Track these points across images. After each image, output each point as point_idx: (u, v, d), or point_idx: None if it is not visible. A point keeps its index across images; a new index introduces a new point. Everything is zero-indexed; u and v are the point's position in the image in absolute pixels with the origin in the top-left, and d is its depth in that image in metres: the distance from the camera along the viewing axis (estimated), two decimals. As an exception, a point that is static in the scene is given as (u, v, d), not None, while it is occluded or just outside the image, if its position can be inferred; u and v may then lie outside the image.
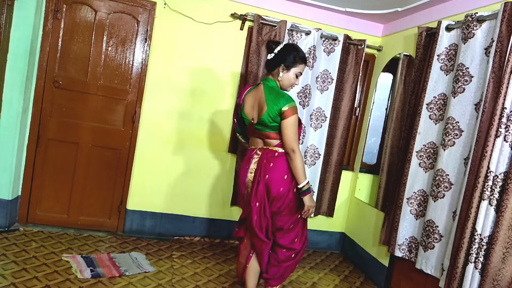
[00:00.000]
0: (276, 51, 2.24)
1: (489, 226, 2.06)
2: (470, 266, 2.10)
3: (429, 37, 2.78)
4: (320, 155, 3.53)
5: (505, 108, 2.03)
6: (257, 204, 2.23)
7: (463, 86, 2.40)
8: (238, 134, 2.56)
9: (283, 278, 2.41)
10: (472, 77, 2.37)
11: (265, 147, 2.28)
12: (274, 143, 2.25)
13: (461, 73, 2.41)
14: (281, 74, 2.24)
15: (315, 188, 3.56)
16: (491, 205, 2.05)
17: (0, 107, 2.91)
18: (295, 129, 2.17)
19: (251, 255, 2.42)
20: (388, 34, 3.60)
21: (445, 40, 2.61)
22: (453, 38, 2.58)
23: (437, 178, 2.51)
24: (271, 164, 2.22)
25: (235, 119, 2.50)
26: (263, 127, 2.23)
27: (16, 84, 2.94)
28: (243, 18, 3.32)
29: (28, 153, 3.15)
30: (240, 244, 2.50)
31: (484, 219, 2.07)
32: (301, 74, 2.29)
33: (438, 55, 2.63)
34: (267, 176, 2.20)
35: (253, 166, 2.27)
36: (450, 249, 2.30)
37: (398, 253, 2.78)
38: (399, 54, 3.35)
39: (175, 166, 3.43)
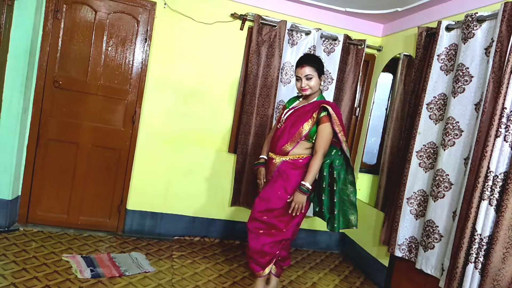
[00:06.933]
0: None
1: (489, 226, 2.06)
2: (470, 266, 2.10)
3: (429, 37, 2.78)
4: (320, 155, 3.53)
5: (505, 108, 2.03)
6: None
7: (463, 86, 2.40)
8: None
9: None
10: (472, 77, 2.37)
11: None
12: None
13: (461, 73, 2.41)
14: None
15: (315, 188, 3.56)
16: (491, 205, 2.06)
17: (0, 107, 2.91)
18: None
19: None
20: (388, 34, 3.60)
21: (445, 40, 2.61)
22: (453, 38, 2.58)
23: (437, 178, 2.51)
24: None
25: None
26: None
27: (16, 84, 2.94)
28: (243, 18, 3.32)
29: (28, 153, 3.14)
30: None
31: (484, 219, 2.07)
32: (300, 77, 2.41)
33: (438, 55, 2.63)
34: None
35: None
36: (450, 249, 2.30)
37: (398, 253, 2.78)
38: (399, 54, 3.35)
39: (175, 166, 3.43)
